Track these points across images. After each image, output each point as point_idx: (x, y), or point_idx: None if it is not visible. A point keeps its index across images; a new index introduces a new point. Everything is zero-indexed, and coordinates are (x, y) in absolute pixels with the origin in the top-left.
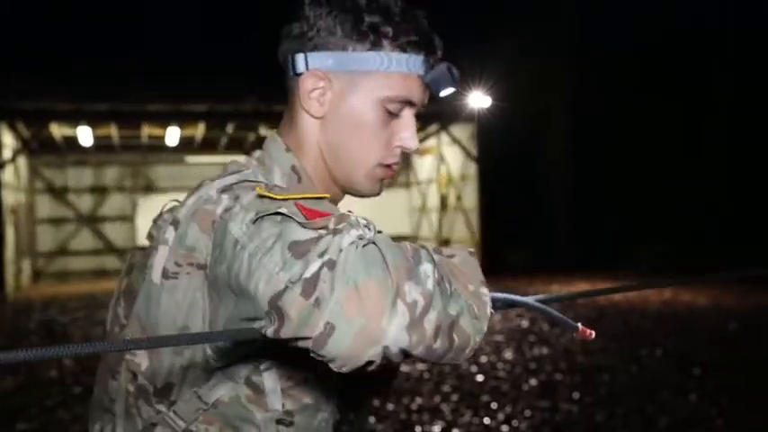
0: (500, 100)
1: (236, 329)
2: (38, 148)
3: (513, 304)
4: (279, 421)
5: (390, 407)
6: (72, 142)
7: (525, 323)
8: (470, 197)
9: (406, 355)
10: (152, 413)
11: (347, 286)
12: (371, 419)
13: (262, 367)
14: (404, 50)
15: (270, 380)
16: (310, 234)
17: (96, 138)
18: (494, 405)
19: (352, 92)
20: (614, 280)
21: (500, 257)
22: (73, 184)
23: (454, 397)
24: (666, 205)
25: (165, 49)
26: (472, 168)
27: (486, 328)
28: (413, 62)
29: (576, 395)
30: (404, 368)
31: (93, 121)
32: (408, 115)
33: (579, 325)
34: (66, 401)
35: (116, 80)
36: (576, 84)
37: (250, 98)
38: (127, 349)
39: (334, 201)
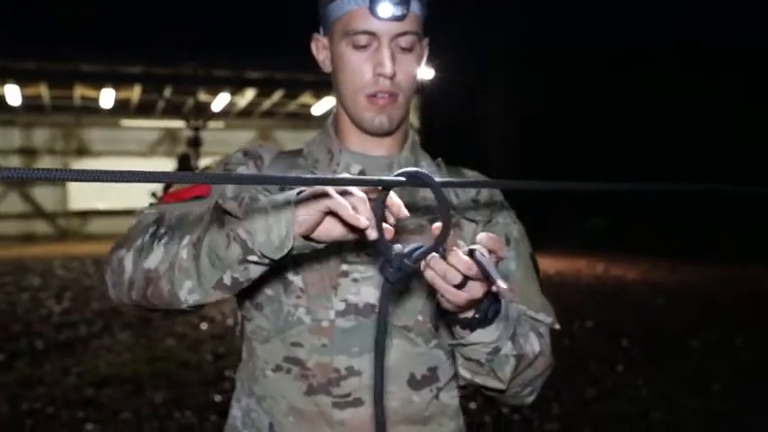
0: (442, 72)
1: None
2: None
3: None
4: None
5: None
6: None
7: None
8: None
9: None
10: None
11: None
12: None
13: None
14: None
15: None
16: None
17: (25, 97)
18: None
19: (332, 42)
20: (548, 254)
21: None
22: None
23: None
24: (604, 179)
25: (100, 7)
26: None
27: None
28: None
29: None
30: None
31: (21, 80)
32: (382, 44)
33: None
34: None
35: (46, 36)
36: (518, 54)
37: (189, 62)
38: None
39: (369, 143)
